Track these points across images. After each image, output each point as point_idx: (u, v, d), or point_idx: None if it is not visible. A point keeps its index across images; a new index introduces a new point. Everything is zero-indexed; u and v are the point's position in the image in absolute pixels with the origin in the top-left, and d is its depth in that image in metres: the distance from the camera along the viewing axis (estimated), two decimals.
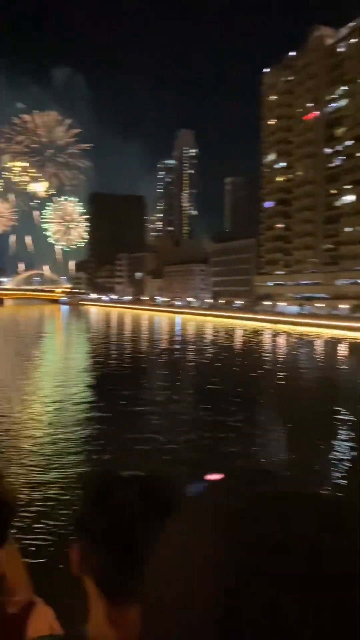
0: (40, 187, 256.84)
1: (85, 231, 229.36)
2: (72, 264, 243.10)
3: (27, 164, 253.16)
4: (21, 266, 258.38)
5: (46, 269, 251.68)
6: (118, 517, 0.96)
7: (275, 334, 69.35)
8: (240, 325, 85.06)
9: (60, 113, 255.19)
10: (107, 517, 0.97)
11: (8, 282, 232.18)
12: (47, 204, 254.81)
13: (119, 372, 35.16)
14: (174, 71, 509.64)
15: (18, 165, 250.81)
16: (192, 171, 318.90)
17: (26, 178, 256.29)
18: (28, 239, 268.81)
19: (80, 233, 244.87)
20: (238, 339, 64.10)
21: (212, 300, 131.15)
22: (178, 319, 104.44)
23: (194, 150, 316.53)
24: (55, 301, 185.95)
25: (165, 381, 31.98)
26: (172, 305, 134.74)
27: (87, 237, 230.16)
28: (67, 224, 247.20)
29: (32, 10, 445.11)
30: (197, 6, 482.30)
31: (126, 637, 0.92)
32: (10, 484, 1.38)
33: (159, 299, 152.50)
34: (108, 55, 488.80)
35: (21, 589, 1.49)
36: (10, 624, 1.23)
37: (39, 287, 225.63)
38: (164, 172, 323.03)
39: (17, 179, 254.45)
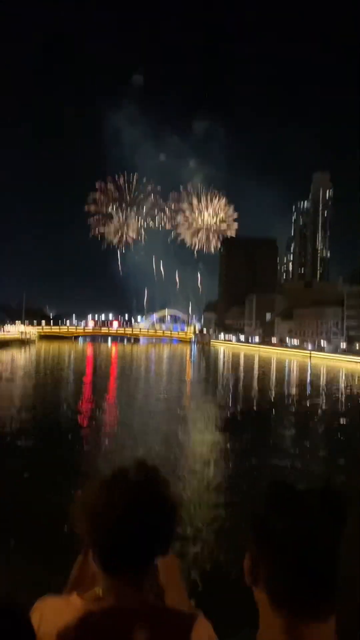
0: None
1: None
2: (203, 305, 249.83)
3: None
4: (155, 307, 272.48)
5: (177, 310, 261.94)
6: (302, 525, 0.94)
7: None
8: None
9: (199, 162, 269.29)
10: (290, 524, 0.94)
11: (143, 322, 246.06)
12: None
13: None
14: (309, 112, 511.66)
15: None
16: (327, 213, 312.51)
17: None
18: (164, 281, 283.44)
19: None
20: None
21: (346, 345, 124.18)
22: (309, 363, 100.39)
23: (329, 191, 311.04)
24: (185, 341, 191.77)
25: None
26: (304, 349, 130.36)
27: (220, 279, 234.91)
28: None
29: (176, 67, 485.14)
30: (332, 47, 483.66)
31: None
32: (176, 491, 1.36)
33: (289, 342, 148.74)
34: (242, 101, 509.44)
35: (181, 601, 1.49)
36: (174, 633, 1.26)
37: (171, 327, 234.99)
38: (298, 215, 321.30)
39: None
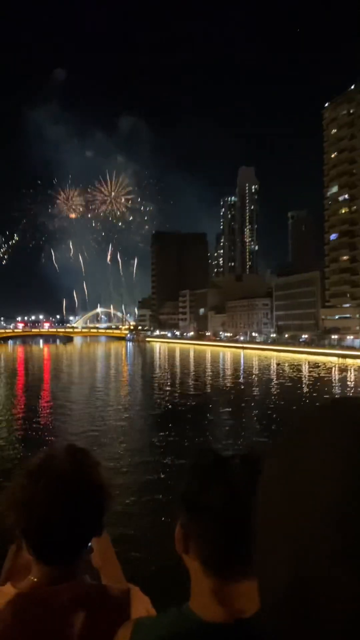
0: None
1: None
2: (136, 301, 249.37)
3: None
4: (88, 305, 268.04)
5: (112, 307, 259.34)
6: (227, 493, 0.96)
7: (345, 368, 66.45)
8: (307, 360, 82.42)
9: (125, 158, 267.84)
10: (215, 492, 0.97)
11: (77, 321, 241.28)
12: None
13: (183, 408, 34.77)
14: (233, 108, 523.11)
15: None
16: (254, 207, 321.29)
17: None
18: (95, 278, 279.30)
19: None
20: (305, 374, 61.94)
21: (276, 335, 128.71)
22: (242, 354, 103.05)
23: (255, 186, 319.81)
24: (121, 338, 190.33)
25: (229, 418, 31.18)
26: (236, 341, 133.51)
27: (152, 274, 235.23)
28: None
29: (98, 63, 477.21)
30: (256, 41, 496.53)
31: (238, 611, 0.92)
32: (106, 470, 1.38)
33: (223, 334, 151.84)
34: (167, 98, 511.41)
35: (116, 577, 1.52)
36: (113, 609, 1.28)
37: (105, 325, 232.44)
38: (226, 209, 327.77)
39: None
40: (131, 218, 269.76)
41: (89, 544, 1.38)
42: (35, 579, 1.31)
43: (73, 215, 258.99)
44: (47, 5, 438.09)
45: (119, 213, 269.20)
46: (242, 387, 48.51)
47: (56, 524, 1.26)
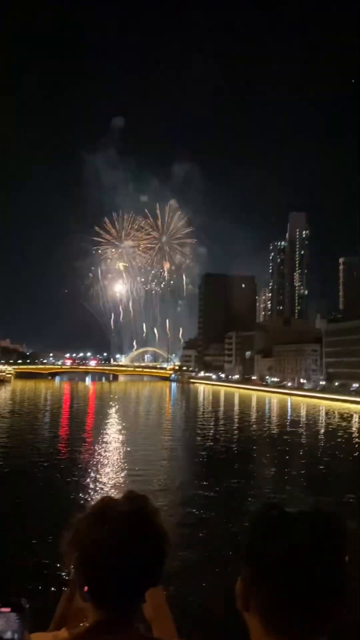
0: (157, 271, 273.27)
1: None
2: (182, 342, 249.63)
3: (148, 250, 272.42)
4: (134, 344, 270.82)
5: (157, 347, 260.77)
6: (293, 548, 0.92)
7: None
8: (358, 410, 78.57)
9: (177, 203, 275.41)
10: (281, 546, 0.93)
11: (122, 359, 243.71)
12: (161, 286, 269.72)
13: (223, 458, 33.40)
14: (283, 156, 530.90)
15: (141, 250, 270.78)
16: (304, 251, 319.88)
17: (143, 260, 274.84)
18: (142, 318, 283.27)
19: None
20: (356, 426, 58.79)
21: (325, 382, 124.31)
22: (289, 401, 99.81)
23: (306, 232, 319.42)
24: (165, 378, 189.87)
25: (273, 469, 29.56)
26: (283, 386, 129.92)
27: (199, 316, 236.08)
28: None
29: (155, 112, 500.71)
30: (300, 93, 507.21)
31: None
32: (167, 519, 1.28)
33: (269, 379, 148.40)
34: (220, 146, 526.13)
35: (168, 631, 1.49)
36: None
37: (151, 364, 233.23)
38: (275, 253, 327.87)
39: (137, 261, 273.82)
40: (181, 260, 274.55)
41: (145, 594, 1.36)
42: (90, 625, 1.29)
43: (123, 259, 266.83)
44: (111, 57, 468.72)
45: (169, 256, 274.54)
46: (289, 437, 46.42)
47: (117, 568, 1.25)
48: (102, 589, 1.27)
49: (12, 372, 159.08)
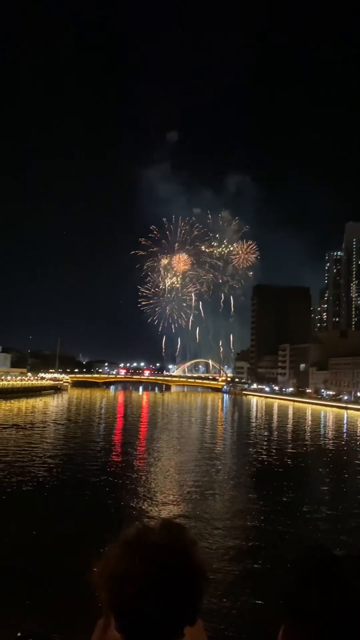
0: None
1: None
2: (234, 354, 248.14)
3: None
4: (187, 355, 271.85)
5: (210, 358, 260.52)
6: (337, 599, 0.85)
7: None
8: None
9: (231, 214, 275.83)
10: (324, 597, 0.86)
11: (176, 370, 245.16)
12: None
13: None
14: (341, 164, 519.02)
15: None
16: None
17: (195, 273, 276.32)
18: (195, 329, 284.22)
19: None
20: None
21: None
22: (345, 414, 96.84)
23: None
24: (217, 389, 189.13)
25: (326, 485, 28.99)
26: (339, 400, 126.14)
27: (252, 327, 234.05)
28: None
29: (208, 125, 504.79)
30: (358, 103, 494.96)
31: None
32: (204, 552, 1.25)
33: (325, 392, 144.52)
34: (275, 155, 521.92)
35: None
36: None
37: (203, 375, 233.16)
38: (331, 264, 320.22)
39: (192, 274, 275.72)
40: (234, 271, 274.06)
41: (183, 630, 1.24)
42: None
43: (175, 273, 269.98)
44: (164, 76, 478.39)
45: (221, 268, 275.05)
46: (345, 454, 45.21)
47: (150, 602, 1.16)
48: (133, 623, 1.19)
49: (69, 380, 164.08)
